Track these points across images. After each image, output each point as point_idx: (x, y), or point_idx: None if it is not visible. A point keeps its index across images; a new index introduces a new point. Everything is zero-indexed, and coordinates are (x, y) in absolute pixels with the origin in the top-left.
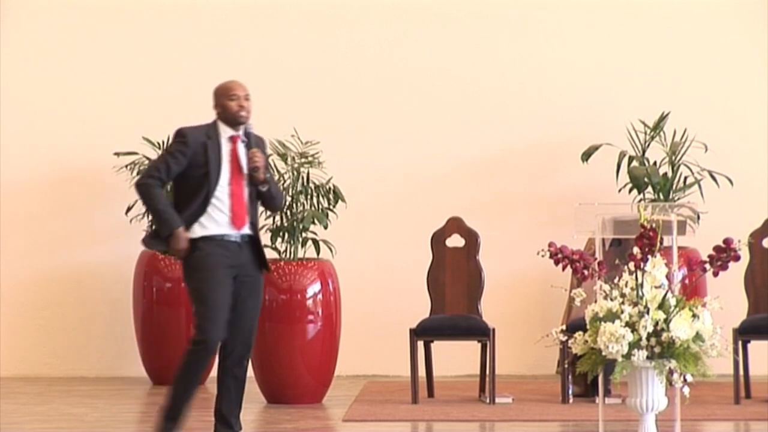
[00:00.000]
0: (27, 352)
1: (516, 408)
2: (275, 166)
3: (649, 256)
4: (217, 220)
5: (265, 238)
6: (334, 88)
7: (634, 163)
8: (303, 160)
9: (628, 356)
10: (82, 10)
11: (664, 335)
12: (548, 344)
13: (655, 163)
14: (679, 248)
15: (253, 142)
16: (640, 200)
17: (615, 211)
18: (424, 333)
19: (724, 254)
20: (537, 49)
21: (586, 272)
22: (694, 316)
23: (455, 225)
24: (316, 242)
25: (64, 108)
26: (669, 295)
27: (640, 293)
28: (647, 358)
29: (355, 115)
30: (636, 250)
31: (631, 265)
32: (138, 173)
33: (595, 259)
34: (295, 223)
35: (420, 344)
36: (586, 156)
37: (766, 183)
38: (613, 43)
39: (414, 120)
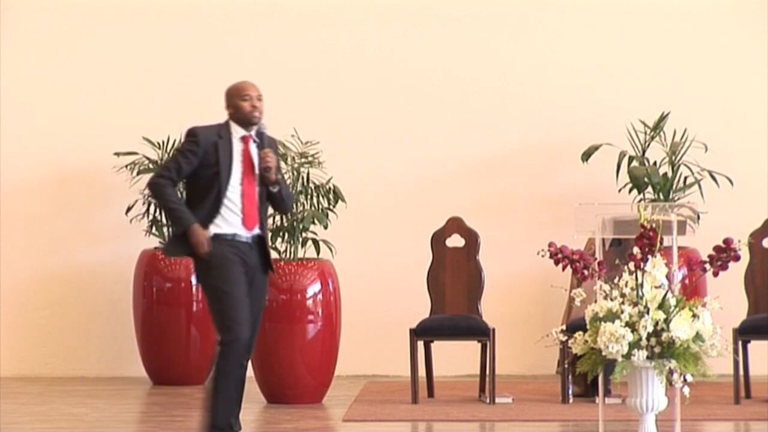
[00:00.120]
0: (27, 352)
1: (516, 408)
2: None
3: (649, 256)
4: (228, 220)
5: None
6: (334, 88)
7: (634, 163)
8: (303, 160)
9: (628, 356)
10: (82, 10)
11: (664, 335)
12: (548, 344)
13: (655, 163)
14: (679, 248)
15: (266, 142)
16: (640, 200)
17: (615, 211)
18: (424, 333)
19: (724, 254)
20: (537, 49)
21: (586, 272)
22: (694, 316)
23: (455, 225)
24: (316, 242)
25: (64, 108)
26: (669, 295)
27: (640, 293)
28: (647, 358)
29: (355, 115)
30: (636, 250)
31: (631, 265)
32: (138, 173)
33: (595, 259)
34: (295, 223)
35: (420, 344)
36: (586, 156)
37: (766, 183)
38: (613, 43)
39: (414, 120)
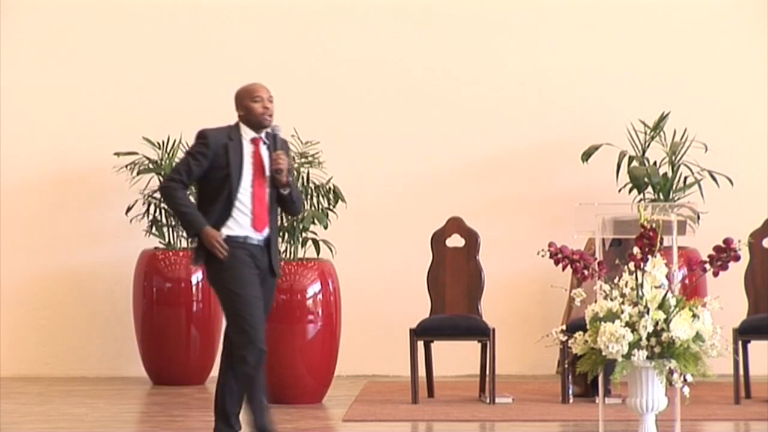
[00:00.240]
0: (27, 352)
1: (516, 408)
2: None
3: (649, 256)
4: (239, 222)
5: None
6: (334, 88)
7: (634, 163)
8: (303, 160)
9: (628, 356)
10: (82, 10)
11: (664, 335)
12: (548, 344)
13: (655, 163)
14: (679, 248)
15: (279, 144)
16: (640, 200)
17: (615, 211)
18: (424, 333)
19: (724, 254)
20: (537, 49)
21: (586, 272)
22: (694, 316)
23: (455, 225)
24: (316, 242)
25: (64, 108)
26: (669, 295)
27: (640, 293)
28: (647, 358)
29: (355, 115)
30: (636, 250)
31: (631, 265)
32: (138, 173)
33: (595, 259)
34: (295, 223)
35: (420, 344)
36: (586, 156)
37: (766, 183)
38: (613, 43)
39: (414, 120)
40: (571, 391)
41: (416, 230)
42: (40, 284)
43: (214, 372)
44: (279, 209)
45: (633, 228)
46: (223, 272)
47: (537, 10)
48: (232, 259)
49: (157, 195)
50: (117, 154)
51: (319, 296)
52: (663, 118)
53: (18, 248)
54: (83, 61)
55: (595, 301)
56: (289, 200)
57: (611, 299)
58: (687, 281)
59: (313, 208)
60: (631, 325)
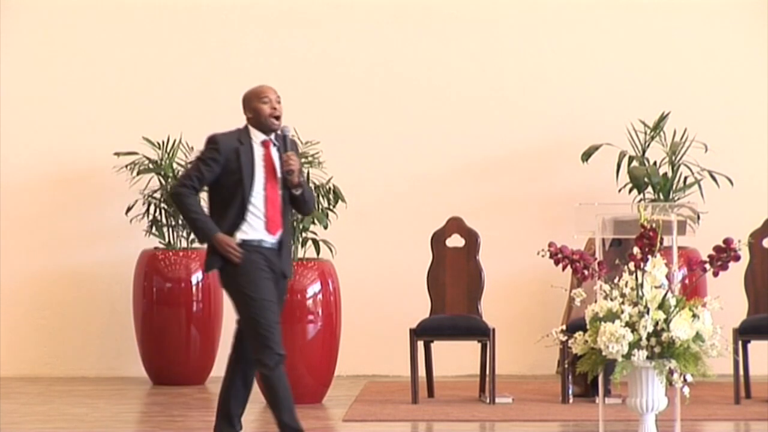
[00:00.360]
0: (27, 352)
1: (516, 408)
2: None
3: (649, 256)
4: (253, 226)
5: None
6: (334, 88)
7: (634, 163)
8: (303, 160)
9: (628, 356)
10: (82, 10)
11: (664, 335)
12: (548, 344)
13: (655, 163)
14: (679, 248)
15: (288, 145)
16: (640, 200)
17: (615, 211)
18: (424, 333)
19: (724, 254)
20: (537, 49)
21: (586, 272)
22: (694, 316)
23: (455, 225)
24: (316, 242)
25: (64, 108)
26: (669, 295)
27: (640, 293)
28: (647, 358)
29: (355, 115)
30: (636, 250)
31: (631, 265)
32: (138, 173)
33: (595, 259)
34: (295, 223)
35: (420, 344)
36: (586, 156)
37: (766, 183)
38: (614, 44)
39: (414, 120)
40: (571, 391)
41: (416, 230)
42: (40, 284)
43: (214, 372)
44: (292, 210)
45: (633, 228)
46: (238, 277)
47: (537, 10)
48: (247, 263)
49: (157, 195)
50: (117, 154)
51: (319, 296)
52: (663, 118)
53: (18, 248)
54: (83, 61)
55: (595, 301)
56: (302, 200)
57: (611, 299)
58: (687, 281)
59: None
60: (631, 325)
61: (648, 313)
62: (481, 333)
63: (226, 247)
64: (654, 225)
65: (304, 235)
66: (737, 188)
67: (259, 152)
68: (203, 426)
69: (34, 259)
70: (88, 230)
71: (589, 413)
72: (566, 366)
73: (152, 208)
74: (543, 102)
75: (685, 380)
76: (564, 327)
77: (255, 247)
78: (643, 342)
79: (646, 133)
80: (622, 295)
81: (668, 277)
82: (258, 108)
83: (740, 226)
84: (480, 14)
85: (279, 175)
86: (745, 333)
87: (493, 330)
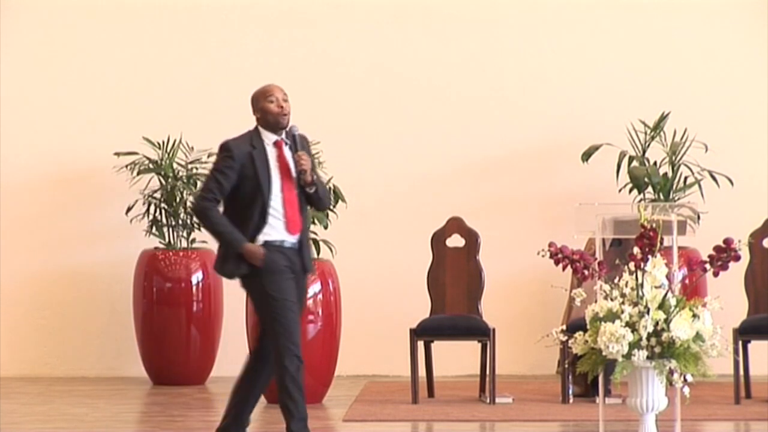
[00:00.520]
0: (27, 352)
1: (516, 408)
2: None
3: (649, 256)
4: (275, 227)
5: None
6: (334, 88)
7: (634, 163)
8: None
9: (628, 356)
10: (82, 10)
11: (665, 335)
12: (548, 344)
13: (655, 163)
14: (679, 248)
15: (299, 143)
16: (640, 200)
17: (615, 211)
18: (424, 333)
19: (724, 254)
20: (537, 49)
21: (586, 272)
22: (694, 316)
23: (455, 225)
24: (316, 242)
25: (63, 108)
26: (669, 295)
27: (640, 293)
28: (647, 358)
29: (355, 115)
30: (636, 250)
31: (632, 265)
32: (138, 173)
33: (595, 259)
34: None
35: (420, 344)
36: (586, 156)
37: (766, 183)
38: (614, 44)
39: (414, 120)
40: (571, 391)
41: (416, 230)
42: (40, 284)
43: (214, 372)
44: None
45: (633, 228)
46: (262, 277)
47: (537, 10)
48: (271, 264)
49: (157, 195)
50: (117, 154)
51: (319, 296)
52: (663, 118)
53: (18, 248)
54: (83, 60)
55: (595, 301)
56: (317, 198)
57: (611, 299)
58: (687, 281)
59: (313, 208)
60: (631, 325)
61: (648, 313)
62: (481, 333)
63: (255, 258)
64: (654, 225)
65: None
66: (737, 188)
67: (272, 154)
68: (203, 426)
69: (34, 259)
70: (88, 230)
71: (589, 413)
72: (566, 366)
73: (152, 208)
74: (543, 102)
75: (685, 380)
76: (564, 327)
77: (277, 247)
78: (643, 342)
79: (646, 133)
80: (622, 295)
81: (668, 277)
82: (265, 107)
83: (740, 226)
84: (480, 14)
85: (294, 174)
86: (745, 333)
87: (493, 330)
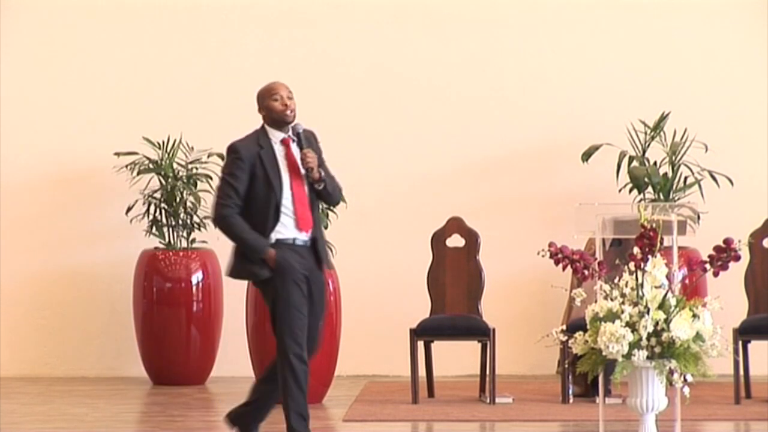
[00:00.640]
0: (27, 352)
1: (516, 408)
2: None
3: (650, 256)
4: (286, 225)
5: None
6: (334, 88)
7: (634, 163)
8: None
9: (628, 356)
10: (82, 10)
11: (665, 335)
12: (548, 344)
13: (655, 163)
14: (679, 248)
15: (304, 140)
16: (640, 200)
17: (615, 211)
18: (424, 333)
19: (724, 254)
20: (537, 49)
21: (586, 272)
22: (694, 316)
23: (455, 225)
24: None
25: (63, 108)
26: (669, 295)
27: (640, 293)
28: (647, 358)
29: (355, 115)
30: (636, 250)
31: (632, 265)
32: (138, 173)
33: (595, 259)
34: None
35: (420, 344)
36: (586, 156)
37: (766, 183)
38: (614, 44)
39: (414, 120)
40: (571, 391)
41: (416, 230)
42: (40, 284)
43: (214, 372)
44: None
45: (633, 228)
46: (273, 278)
47: (537, 10)
48: (281, 263)
49: (157, 195)
50: (117, 154)
51: None
52: (663, 118)
53: (18, 248)
54: (83, 61)
55: (595, 301)
56: (326, 193)
57: (611, 299)
58: (687, 281)
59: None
60: (631, 325)
61: (648, 313)
62: (481, 333)
63: (273, 259)
64: (654, 225)
65: None
66: (737, 188)
67: (280, 152)
68: (203, 426)
69: (34, 259)
70: (88, 230)
71: (589, 413)
72: (566, 366)
73: (152, 208)
74: (543, 102)
75: (685, 380)
76: (564, 327)
77: (289, 245)
78: (643, 342)
79: (646, 133)
80: (622, 295)
81: (668, 277)
82: (270, 105)
83: (740, 226)
84: (480, 14)
85: (303, 171)
86: (745, 333)
87: (493, 330)
